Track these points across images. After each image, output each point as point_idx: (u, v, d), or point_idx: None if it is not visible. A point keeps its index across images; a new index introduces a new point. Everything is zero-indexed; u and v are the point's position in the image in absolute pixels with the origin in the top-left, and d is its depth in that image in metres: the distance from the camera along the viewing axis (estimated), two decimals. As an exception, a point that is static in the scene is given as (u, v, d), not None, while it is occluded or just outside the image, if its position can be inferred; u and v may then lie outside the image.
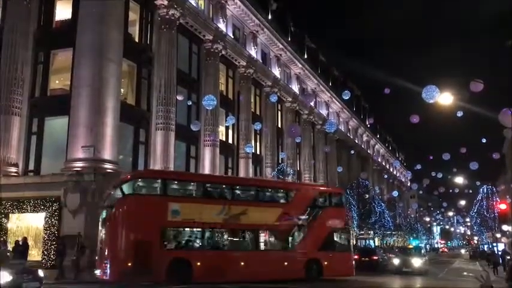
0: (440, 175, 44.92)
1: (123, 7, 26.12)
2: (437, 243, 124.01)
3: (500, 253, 37.38)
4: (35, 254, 22.29)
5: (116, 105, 24.46)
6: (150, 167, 27.22)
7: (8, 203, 23.26)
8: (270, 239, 20.70)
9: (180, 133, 29.66)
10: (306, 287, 18.68)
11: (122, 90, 26.57)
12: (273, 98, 33.65)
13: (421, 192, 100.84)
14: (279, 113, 46.90)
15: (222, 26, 35.26)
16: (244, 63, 38.67)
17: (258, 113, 42.09)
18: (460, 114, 24.29)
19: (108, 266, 16.64)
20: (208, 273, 17.78)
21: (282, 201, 21.45)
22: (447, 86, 19.42)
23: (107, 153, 23.45)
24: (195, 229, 18.54)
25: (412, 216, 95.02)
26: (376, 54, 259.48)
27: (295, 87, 49.72)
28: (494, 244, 50.21)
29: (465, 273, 31.48)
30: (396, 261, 30.30)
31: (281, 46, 45.68)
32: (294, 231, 20.95)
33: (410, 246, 39.83)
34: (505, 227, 51.62)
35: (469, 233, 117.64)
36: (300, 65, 50.67)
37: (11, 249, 20.47)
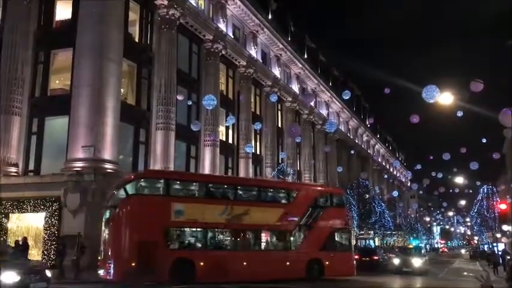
0: (440, 175, 44.95)
1: (123, 7, 26.13)
2: (437, 243, 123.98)
3: (500, 253, 37.37)
4: (35, 254, 22.28)
5: (116, 105, 24.46)
6: (150, 167, 27.23)
7: (8, 203, 23.27)
8: (272, 239, 20.79)
9: (180, 133, 29.66)
10: (308, 286, 18.69)
11: (122, 90, 26.57)
12: (273, 98, 33.67)
13: (421, 192, 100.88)
14: (279, 112, 46.90)
15: (222, 25, 35.26)
16: (245, 63, 38.68)
17: (258, 112, 42.09)
18: (460, 114, 24.28)
19: (112, 266, 16.65)
20: (211, 273, 17.83)
21: (283, 201, 21.51)
22: (447, 86, 19.46)
23: (107, 153, 23.45)
24: (198, 229, 18.59)
25: (412, 216, 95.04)
26: (376, 54, 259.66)
27: (295, 87, 49.72)
28: (495, 244, 50.22)
29: (465, 273, 31.48)
30: (396, 261, 30.30)
31: (281, 46, 45.68)
32: (296, 231, 21.02)
33: (411, 246, 39.81)
34: (505, 227, 51.58)
35: (469, 233, 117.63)
36: (300, 65, 50.67)
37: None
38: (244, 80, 39.03)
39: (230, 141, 37.45)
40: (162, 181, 18.65)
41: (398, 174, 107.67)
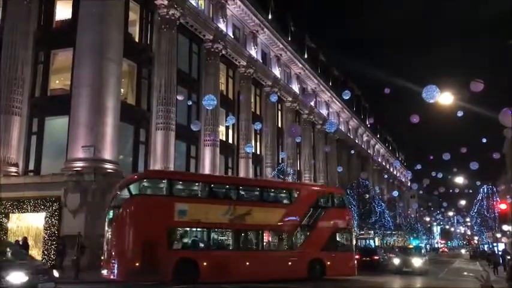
0: (440, 175, 44.91)
1: (123, 7, 26.13)
2: (437, 243, 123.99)
3: (500, 253, 37.34)
4: (35, 254, 22.23)
5: (116, 105, 24.47)
6: (150, 167, 27.24)
7: (8, 203, 23.28)
8: (274, 239, 20.88)
9: (180, 133, 29.66)
10: (309, 286, 18.71)
11: (122, 90, 26.58)
12: (273, 98, 33.68)
13: (421, 192, 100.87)
14: (279, 112, 46.91)
15: (222, 25, 35.27)
16: (245, 63, 38.68)
17: (258, 112, 42.10)
18: (460, 114, 24.28)
19: (116, 265, 16.66)
20: (214, 273, 17.88)
21: (285, 201, 21.57)
22: (447, 85, 19.44)
23: (107, 153, 23.46)
24: (201, 229, 18.63)
25: (412, 216, 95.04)
26: (376, 54, 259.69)
27: (295, 87, 49.72)
28: (495, 244, 50.22)
29: (465, 273, 31.46)
30: (396, 261, 30.28)
31: (281, 46, 45.69)
32: (298, 231, 21.07)
33: (411, 246, 39.78)
34: (505, 227, 51.60)
35: (469, 233, 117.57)
36: (300, 65, 50.67)
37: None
38: (244, 80, 39.03)
39: (230, 141, 37.46)
40: (165, 181, 18.66)
41: (398, 174, 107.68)
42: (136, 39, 28.32)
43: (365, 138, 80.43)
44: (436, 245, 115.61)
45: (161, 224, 17.48)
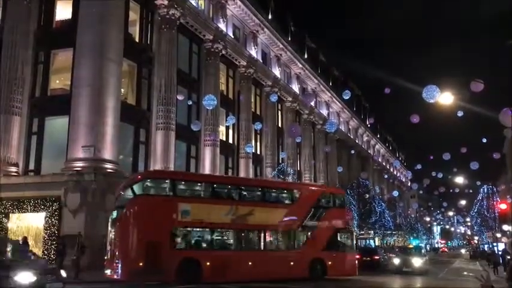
0: (440, 175, 44.89)
1: (123, 7, 26.15)
2: (437, 243, 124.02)
3: (500, 253, 37.31)
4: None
5: (116, 105, 24.48)
6: (150, 167, 27.27)
7: (9, 203, 23.31)
8: (276, 239, 20.92)
9: (181, 133, 29.67)
10: (311, 286, 18.77)
11: (122, 90, 26.60)
12: (273, 98, 33.68)
13: (421, 192, 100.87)
14: (279, 112, 46.92)
15: (222, 25, 35.27)
16: (245, 63, 38.68)
17: (258, 112, 42.11)
18: (460, 114, 24.27)
19: (120, 265, 16.68)
20: (217, 273, 17.93)
21: (287, 201, 21.63)
22: (447, 85, 19.43)
23: (107, 153, 23.47)
24: (204, 229, 18.68)
25: (413, 216, 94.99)
26: (376, 54, 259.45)
27: (295, 87, 49.73)
28: (495, 244, 50.17)
29: (465, 273, 31.44)
30: (396, 261, 30.27)
31: (281, 46, 45.69)
32: (299, 231, 21.13)
33: (411, 246, 39.76)
34: (505, 227, 51.60)
35: (469, 232, 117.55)
36: (300, 65, 50.68)
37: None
38: (244, 80, 39.03)
39: (230, 141, 37.46)
40: (169, 181, 18.69)
41: (398, 174, 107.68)
42: (137, 39, 28.33)
43: (365, 138, 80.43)
44: (436, 245, 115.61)
45: (165, 224, 17.53)
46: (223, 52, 35.16)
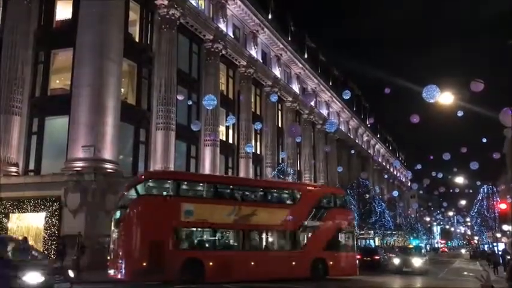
0: (440, 175, 44.85)
1: (123, 7, 26.16)
2: (437, 243, 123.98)
3: (500, 253, 37.31)
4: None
5: (116, 104, 24.48)
6: (150, 167, 27.30)
7: (9, 203, 23.31)
8: (278, 239, 20.99)
9: (181, 133, 29.67)
10: (312, 286, 18.81)
11: (122, 89, 26.60)
12: (273, 98, 33.68)
13: (421, 192, 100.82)
14: (279, 112, 46.92)
15: (222, 25, 35.27)
16: (245, 63, 38.68)
17: (258, 112, 42.11)
18: (460, 114, 24.25)
19: (123, 265, 16.70)
20: (220, 273, 17.98)
21: (289, 202, 21.70)
22: (447, 85, 19.41)
23: (107, 153, 23.47)
24: (207, 229, 18.74)
25: (413, 216, 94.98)
26: (376, 54, 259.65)
27: (295, 87, 49.72)
28: (495, 244, 50.18)
29: (465, 273, 31.44)
30: (396, 261, 30.27)
31: (281, 46, 45.69)
32: (301, 231, 21.18)
33: (411, 246, 39.76)
34: (505, 227, 51.59)
35: (469, 232, 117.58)
36: (300, 65, 50.67)
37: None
38: (244, 80, 39.03)
39: (230, 141, 37.47)
40: (172, 182, 18.73)
41: (398, 174, 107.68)
42: (137, 39, 28.33)
43: (365, 138, 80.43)
44: (436, 245, 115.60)
45: (168, 224, 17.58)
46: (223, 52, 35.16)
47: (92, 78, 23.82)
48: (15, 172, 24.74)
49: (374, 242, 56.31)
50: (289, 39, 48.23)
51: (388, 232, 64.45)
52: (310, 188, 28.91)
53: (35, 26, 26.65)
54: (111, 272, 17.30)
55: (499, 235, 52.61)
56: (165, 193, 18.44)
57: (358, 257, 25.85)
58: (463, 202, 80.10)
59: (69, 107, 24.06)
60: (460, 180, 53.81)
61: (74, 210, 22.22)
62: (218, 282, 17.47)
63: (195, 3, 32.65)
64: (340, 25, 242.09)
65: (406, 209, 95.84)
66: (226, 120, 31.89)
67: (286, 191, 22.53)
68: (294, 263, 20.18)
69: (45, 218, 22.79)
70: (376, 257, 32.56)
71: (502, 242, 50.31)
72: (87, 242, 20.60)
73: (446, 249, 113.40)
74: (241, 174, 36.67)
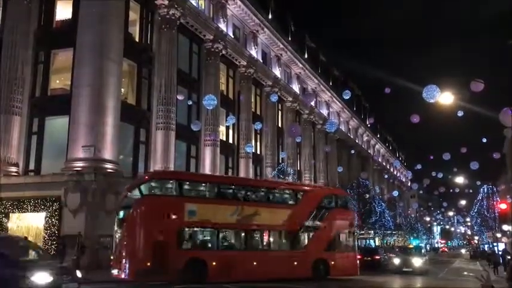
0: (440, 175, 44.85)
1: (123, 7, 26.15)
2: (437, 243, 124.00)
3: (500, 253, 37.33)
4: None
5: (117, 104, 24.48)
6: (150, 167, 27.31)
7: (9, 203, 23.31)
8: (280, 239, 21.06)
9: (181, 133, 29.67)
10: (314, 286, 18.86)
11: (122, 89, 26.60)
12: (274, 98, 33.70)
13: (421, 192, 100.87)
14: (280, 112, 46.92)
15: (222, 25, 35.27)
16: (245, 63, 38.68)
17: (258, 112, 42.11)
18: (460, 114, 24.26)
19: (127, 265, 16.74)
20: (222, 273, 18.03)
21: (291, 202, 21.75)
22: (447, 85, 19.41)
23: (108, 153, 23.47)
24: (210, 229, 18.77)
25: (413, 216, 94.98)
26: (376, 54, 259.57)
27: (295, 87, 49.72)
28: (495, 244, 50.21)
29: (465, 273, 31.45)
30: (397, 260, 30.28)
31: (281, 46, 45.69)
32: (302, 231, 21.26)
33: (411, 246, 39.75)
34: (505, 227, 51.57)
35: (469, 232, 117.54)
36: (301, 65, 50.67)
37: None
38: (244, 80, 39.03)
39: (230, 141, 37.47)
40: (176, 182, 18.75)
41: (398, 174, 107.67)
42: (137, 39, 28.33)
43: (365, 138, 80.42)
44: (436, 245, 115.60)
45: (172, 224, 17.61)
46: (224, 52, 35.16)
47: (92, 78, 23.82)
48: (15, 172, 24.74)
49: (374, 242, 56.30)
50: (289, 39, 48.23)
51: (388, 232, 64.46)
52: (312, 188, 28.99)
53: (35, 26, 26.65)
54: (115, 271, 17.33)
55: (499, 235, 52.63)
56: (168, 193, 18.49)
57: (359, 256, 25.88)
58: (463, 202, 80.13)
59: (69, 107, 24.06)
60: (460, 180, 53.83)
61: (74, 210, 22.21)
62: (221, 282, 17.51)
63: (195, 3, 32.65)
64: (340, 25, 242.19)
65: (406, 209, 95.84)
66: (226, 120, 31.89)
67: (288, 192, 22.55)
68: (295, 263, 20.24)
69: (45, 218, 22.79)
70: (377, 257, 32.59)
71: (502, 242, 50.36)
72: (87, 242, 20.61)
73: (446, 249, 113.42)
74: (241, 174, 36.68)
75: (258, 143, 41.92)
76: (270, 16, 43.78)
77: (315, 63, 55.58)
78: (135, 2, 28.18)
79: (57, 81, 27.18)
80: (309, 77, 53.57)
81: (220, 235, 19.04)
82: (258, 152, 41.56)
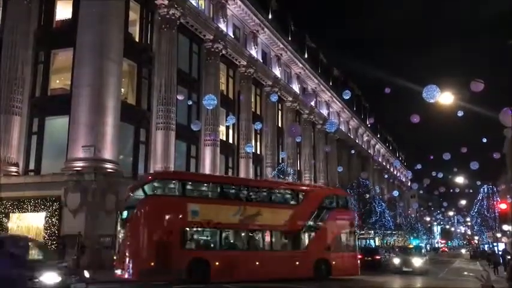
0: (440, 175, 44.84)
1: (123, 7, 26.15)
2: (437, 242, 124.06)
3: (500, 253, 37.32)
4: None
5: (117, 104, 24.48)
6: (150, 167, 27.33)
7: (9, 203, 23.32)
8: (282, 239, 21.08)
9: (181, 133, 29.67)
10: (315, 286, 18.88)
11: (122, 89, 26.60)
12: (274, 98, 33.70)
13: (421, 192, 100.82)
14: (280, 112, 46.91)
15: (222, 25, 35.26)
16: (245, 63, 38.67)
17: (258, 112, 42.11)
18: (460, 114, 24.25)
19: (131, 265, 16.76)
20: (225, 273, 18.06)
21: (293, 202, 21.79)
22: (447, 85, 19.41)
23: (108, 153, 23.47)
24: (212, 229, 18.78)
25: (413, 215, 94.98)
26: (376, 54, 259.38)
27: (295, 87, 49.71)
28: (495, 244, 50.19)
29: (465, 273, 31.44)
30: (397, 260, 30.30)
31: (281, 46, 45.69)
32: (304, 232, 21.29)
33: (411, 246, 39.78)
34: (505, 227, 51.56)
35: (469, 232, 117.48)
36: (301, 65, 50.66)
37: None
38: (244, 80, 39.02)
39: (230, 141, 37.46)
40: (179, 182, 18.79)
41: (398, 174, 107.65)
42: (137, 39, 28.33)
43: (365, 138, 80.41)
44: (436, 245, 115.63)
45: (175, 224, 17.65)
46: (224, 52, 35.16)
47: (92, 78, 23.81)
48: (16, 172, 24.75)
49: (374, 242, 56.29)
50: (290, 39, 48.22)
51: (388, 232, 64.45)
52: (313, 188, 29.01)
53: (35, 26, 26.65)
54: (118, 271, 17.36)
55: (499, 235, 52.61)
56: (172, 193, 18.54)
57: (359, 256, 25.92)
58: (463, 202, 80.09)
59: (69, 107, 24.06)
60: (460, 180, 53.80)
61: (74, 210, 22.22)
62: (223, 282, 17.55)
63: (195, 3, 32.64)
64: (344, 25, 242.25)
65: (406, 209, 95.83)
66: (226, 120, 31.88)
67: (290, 192, 22.56)
68: (297, 263, 20.29)
69: (45, 217, 22.80)
70: (377, 257, 32.65)
71: (502, 242, 50.35)
72: (87, 242, 20.62)
73: (446, 249, 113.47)
74: (241, 174, 36.68)
75: (258, 143, 41.91)
76: (270, 16, 43.77)
77: (315, 63, 55.58)
78: (135, 2, 28.18)
79: (57, 81, 27.19)
80: (309, 77, 53.56)
81: (223, 235, 19.09)
82: (258, 152, 41.55)
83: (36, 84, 26.32)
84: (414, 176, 74.28)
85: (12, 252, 11.67)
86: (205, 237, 18.89)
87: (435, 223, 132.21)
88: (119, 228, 18.40)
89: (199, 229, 18.53)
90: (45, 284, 10.98)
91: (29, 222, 23.52)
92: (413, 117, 23.65)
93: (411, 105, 64.46)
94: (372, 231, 56.68)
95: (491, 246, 56.11)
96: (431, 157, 45.63)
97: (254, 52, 40.62)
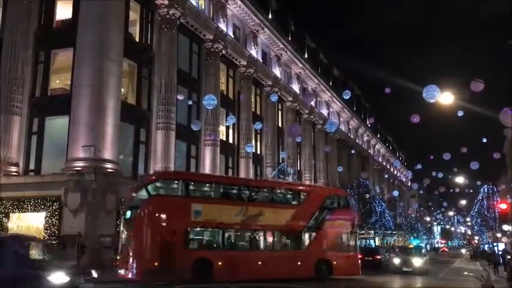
0: (440, 175, 44.82)
1: (123, 7, 26.15)
2: (437, 242, 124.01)
3: (500, 253, 37.32)
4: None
5: (117, 104, 24.48)
6: (150, 167, 27.33)
7: (9, 203, 23.33)
8: (283, 239, 21.14)
9: (181, 133, 29.67)
10: (317, 285, 18.93)
11: (122, 89, 26.61)
12: (274, 98, 33.71)
13: (421, 192, 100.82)
14: (280, 112, 46.92)
15: (222, 25, 35.26)
16: (245, 63, 38.67)
17: (258, 112, 42.11)
18: (460, 113, 24.26)
19: (135, 265, 16.79)
20: (228, 273, 18.12)
21: (294, 202, 21.86)
22: (448, 85, 19.42)
23: (108, 153, 23.47)
24: (215, 229, 18.84)
25: (413, 215, 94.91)
26: (376, 54, 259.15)
27: (295, 87, 49.72)
28: (495, 244, 50.19)
29: (466, 273, 31.45)
30: (397, 260, 30.31)
31: (281, 46, 45.69)
32: (305, 232, 21.33)
33: (411, 246, 39.80)
34: (505, 227, 51.57)
35: (469, 232, 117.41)
36: (301, 65, 50.66)
37: None
38: (244, 80, 39.03)
39: (230, 141, 37.47)
40: (182, 182, 18.83)
41: (398, 174, 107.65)
42: (137, 39, 28.33)
43: (365, 138, 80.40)
44: (436, 245, 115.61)
45: (179, 223, 17.68)
46: (224, 52, 35.16)
47: (92, 78, 23.82)
48: (16, 172, 24.75)
49: (374, 241, 56.31)
50: (290, 39, 48.22)
51: (389, 232, 64.42)
52: (315, 189, 29.04)
53: (35, 26, 26.65)
54: (122, 271, 17.42)
55: (499, 235, 52.61)
56: (175, 193, 18.59)
57: (360, 256, 25.94)
58: (463, 202, 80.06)
59: (69, 107, 24.06)
60: (460, 180, 53.78)
61: (74, 210, 22.22)
62: (226, 281, 17.60)
63: (195, 3, 32.65)
64: (344, 25, 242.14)
65: (406, 209, 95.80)
66: (226, 120, 31.88)
67: (292, 192, 22.64)
68: (298, 263, 20.35)
69: (45, 217, 22.80)
70: (378, 257, 32.66)
71: (502, 242, 50.35)
72: (87, 241, 20.63)
73: (446, 249, 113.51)
74: (242, 174, 36.68)
75: (258, 143, 41.92)
76: (270, 16, 43.77)
77: (315, 63, 55.58)
78: (135, 2, 28.18)
79: (57, 81, 27.19)
80: (309, 77, 53.56)
81: (225, 235, 19.14)
82: (258, 152, 41.55)
83: (36, 84, 26.32)
84: (414, 176, 74.33)
85: (18, 251, 11.66)
86: (208, 237, 18.98)
87: (435, 223, 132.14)
88: (122, 228, 18.46)
89: (202, 229, 18.59)
90: (53, 283, 10.99)
91: (29, 222, 23.52)
92: (413, 117, 23.65)
93: (411, 105, 64.56)
94: (372, 231, 56.66)
95: (491, 246, 56.13)
96: (431, 157, 45.62)
97: (254, 52, 40.62)
